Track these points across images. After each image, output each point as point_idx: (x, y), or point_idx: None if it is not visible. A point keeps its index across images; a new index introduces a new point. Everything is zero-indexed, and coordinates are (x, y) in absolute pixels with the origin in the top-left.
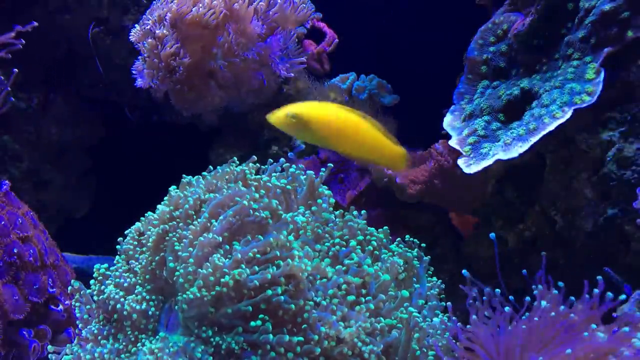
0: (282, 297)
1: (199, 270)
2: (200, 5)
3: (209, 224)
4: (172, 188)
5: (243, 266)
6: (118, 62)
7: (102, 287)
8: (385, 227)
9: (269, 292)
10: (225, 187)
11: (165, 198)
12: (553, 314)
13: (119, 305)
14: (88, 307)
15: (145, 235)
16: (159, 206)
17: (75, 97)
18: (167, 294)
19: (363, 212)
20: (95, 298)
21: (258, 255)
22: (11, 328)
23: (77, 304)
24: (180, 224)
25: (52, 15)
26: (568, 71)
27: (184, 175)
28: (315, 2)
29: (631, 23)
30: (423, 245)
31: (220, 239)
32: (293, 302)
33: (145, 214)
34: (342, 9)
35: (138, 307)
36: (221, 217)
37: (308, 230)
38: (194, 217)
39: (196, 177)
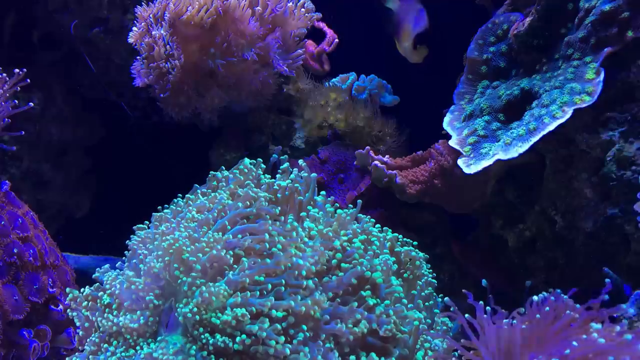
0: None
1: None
2: (197, 3)
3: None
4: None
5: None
6: (118, 62)
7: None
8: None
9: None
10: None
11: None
12: (552, 313)
13: (115, 328)
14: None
15: (153, 237)
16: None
17: (75, 97)
18: (168, 293)
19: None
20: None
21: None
22: (11, 328)
23: (75, 313)
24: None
25: (52, 15)
26: (568, 71)
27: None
28: (315, 2)
29: (631, 23)
30: (415, 243)
31: (231, 260)
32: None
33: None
34: (342, 9)
35: (136, 325)
36: (238, 232)
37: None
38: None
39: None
